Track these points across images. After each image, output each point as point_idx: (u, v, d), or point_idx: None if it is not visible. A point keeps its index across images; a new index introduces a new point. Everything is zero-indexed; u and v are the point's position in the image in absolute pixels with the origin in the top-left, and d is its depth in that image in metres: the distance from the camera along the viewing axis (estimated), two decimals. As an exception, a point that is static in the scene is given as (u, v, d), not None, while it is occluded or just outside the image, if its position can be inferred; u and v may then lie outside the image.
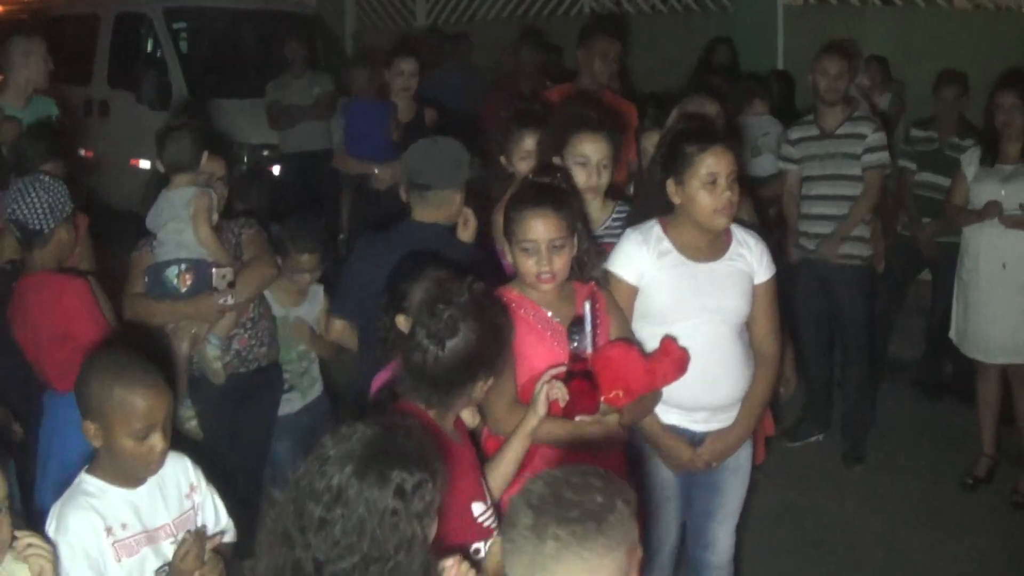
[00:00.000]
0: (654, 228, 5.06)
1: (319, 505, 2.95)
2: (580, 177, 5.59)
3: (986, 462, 7.87)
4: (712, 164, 4.84)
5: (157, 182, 6.56)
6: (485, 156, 6.39)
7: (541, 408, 4.17)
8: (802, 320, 8.16)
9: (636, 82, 11.53)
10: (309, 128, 12.22)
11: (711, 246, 5.03)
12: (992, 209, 7.38)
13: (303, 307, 6.72)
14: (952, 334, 7.91)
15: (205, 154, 6.22)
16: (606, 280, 4.96)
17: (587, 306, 4.32)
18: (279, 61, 12.62)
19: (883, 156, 8.12)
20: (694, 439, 5.11)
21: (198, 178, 6.22)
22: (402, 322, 4.65)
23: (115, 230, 8.28)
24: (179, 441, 4.14)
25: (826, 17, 12.23)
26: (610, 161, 5.68)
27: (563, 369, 4.33)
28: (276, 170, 12.45)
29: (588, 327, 4.29)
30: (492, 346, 3.86)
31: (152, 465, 3.90)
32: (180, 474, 4.11)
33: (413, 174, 5.63)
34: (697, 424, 5.10)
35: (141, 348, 4.12)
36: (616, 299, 4.88)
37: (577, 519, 2.56)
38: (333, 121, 12.03)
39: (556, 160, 5.57)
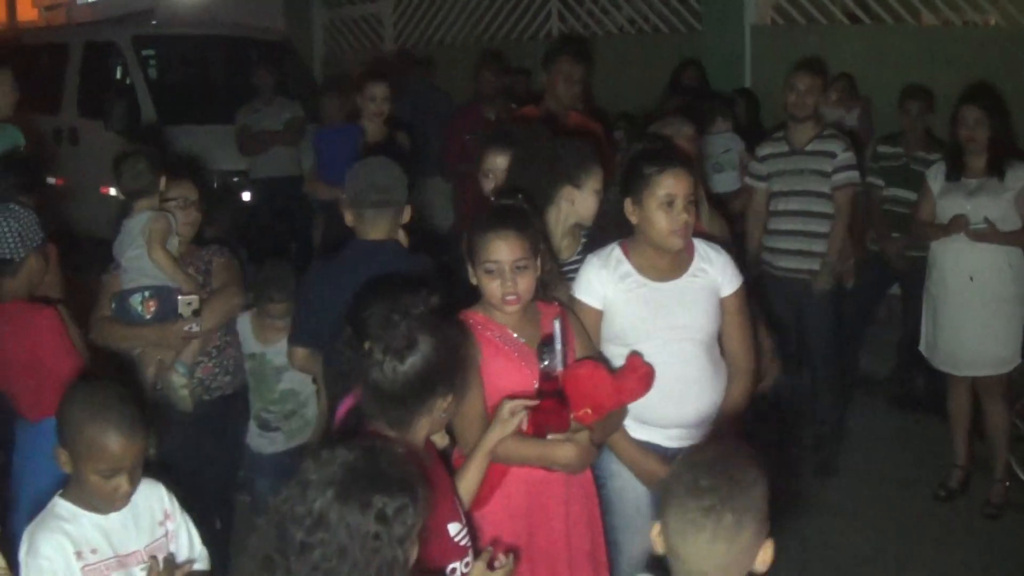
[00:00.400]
0: (614, 251, 5.10)
1: (300, 529, 2.93)
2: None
3: (959, 474, 7.92)
4: (670, 185, 4.87)
5: (126, 210, 6.54)
6: (450, 176, 6.39)
7: (507, 426, 4.21)
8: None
9: (605, 103, 11.59)
10: (279, 154, 12.24)
11: (672, 265, 5.06)
12: (958, 223, 7.43)
13: (279, 344, 6.45)
14: (922, 347, 7.95)
15: (163, 178, 6.17)
16: (571, 303, 5.00)
17: (556, 324, 4.35)
18: (248, 87, 12.63)
19: (853, 175, 8.18)
20: (667, 455, 5.08)
21: (155, 202, 6.17)
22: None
23: (86, 258, 8.25)
24: (153, 469, 4.13)
25: (793, 37, 12.27)
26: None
27: (532, 392, 4.37)
28: (246, 196, 12.44)
29: (558, 345, 4.32)
30: (450, 360, 3.80)
31: (116, 503, 3.91)
32: (154, 501, 4.11)
33: (356, 195, 5.64)
34: (671, 440, 5.09)
35: (123, 382, 4.14)
36: (583, 323, 4.91)
37: (743, 489, 2.91)
38: (303, 147, 12.08)
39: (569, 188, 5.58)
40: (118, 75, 14.13)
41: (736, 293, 5.14)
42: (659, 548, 3.08)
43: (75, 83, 14.64)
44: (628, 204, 4.99)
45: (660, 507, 3.04)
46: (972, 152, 7.55)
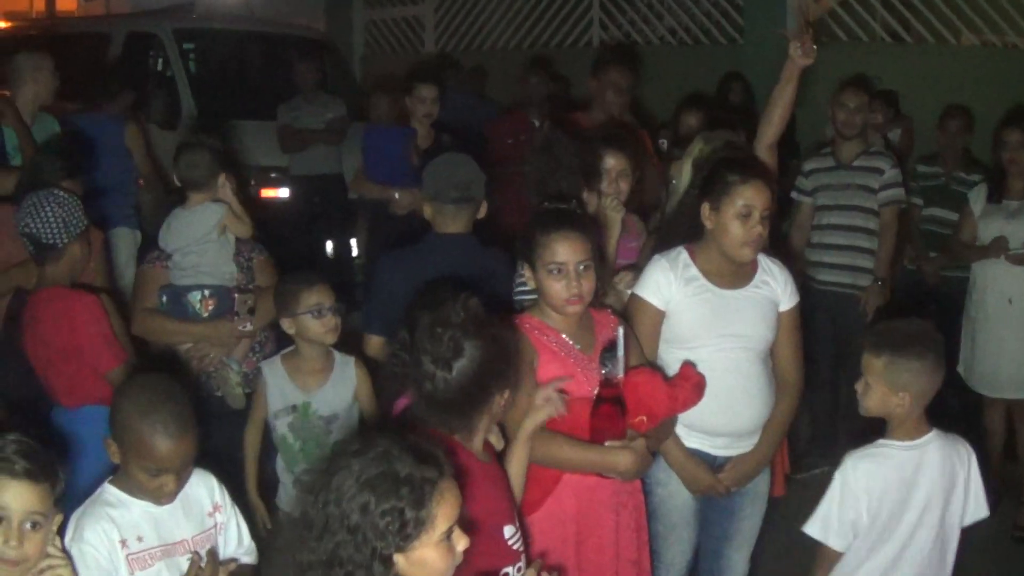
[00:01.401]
0: (681, 254, 5.13)
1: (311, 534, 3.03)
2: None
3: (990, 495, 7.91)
4: (750, 197, 4.90)
5: (169, 202, 6.54)
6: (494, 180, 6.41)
7: (540, 413, 4.27)
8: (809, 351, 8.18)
9: (645, 113, 11.59)
10: (320, 152, 12.22)
11: (737, 274, 5.10)
12: (998, 245, 7.48)
13: (328, 390, 5.72)
14: (960, 368, 7.95)
15: (222, 174, 6.22)
16: (636, 305, 5.05)
17: (620, 331, 4.40)
18: (288, 84, 12.62)
19: (900, 192, 8.24)
20: (714, 464, 5.16)
21: (211, 197, 6.21)
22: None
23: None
24: (206, 460, 4.15)
25: (835, 52, 12.25)
26: (631, 172, 5.85)
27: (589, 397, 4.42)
28: (284, 192, 12.47)
29: (620, 352, 4.35)
30: (500, 358, 3.83)
31: (161, 500, 3.93)
32: (204, 491, 4.15)
33: (438, 190, 5.70)
34: (718, 449, 5.15)
35: (178, 378, 4.13)
36: (642, 324, 4.96)
37: None
38: (344, 146, 12.09)
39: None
40: (159, 67, 14.17)
41: (792, 309, 5.20)
42: None
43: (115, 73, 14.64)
44: (705, 208, 5.03)
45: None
46: (1013, 174, 7.59)
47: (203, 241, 6.08)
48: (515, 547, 3.90)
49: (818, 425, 8.63)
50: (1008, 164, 7.59)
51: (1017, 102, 9.37)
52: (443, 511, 3.06)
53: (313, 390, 5.68)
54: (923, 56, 12.02)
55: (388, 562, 3.01)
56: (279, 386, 5.68)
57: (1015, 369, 7.59)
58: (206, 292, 6.09)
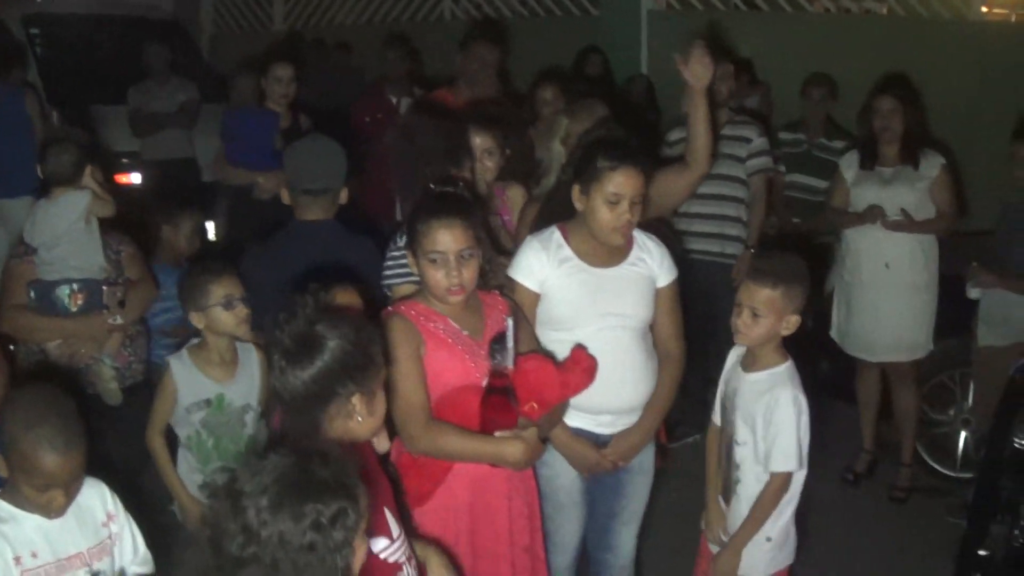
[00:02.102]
0: (554, 234, 5.07)
1: (233, 544, 2.82)
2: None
3: (866, 458, 8.09)
4: (620, 184, 4.84)
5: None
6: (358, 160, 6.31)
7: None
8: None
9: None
10: (172, 136, 11.98)
11: (611, 252, 5.05)
12: (874, 212, 7.51)
13: (240, 380, 5.53)
14: (833, 333, 8.03)
15: (89, 168, 6.08)
16: (510, 288, 4.97)
17: (509, 322, 4.32)
18: (138, 67, 12.39)
19: (768, 160, 8.31)
20: (599, 441, 5.13)
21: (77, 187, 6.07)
22: None
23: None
24: (97, 468, 4.02)
25: (691, 22, 12.33)
26: (495, 150, 5.77)
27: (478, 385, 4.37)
28: (136, 178, 12.20)
29: (510, 343, 4.28)
30: (351, 359, 3.59)
31: (50, 514, 3.82)
32: (97, 501, 4.03)
33: (301, 178, 5.64)
34: (602, 427, 5.12)
35: (66, 388, 3.99)
36: (519, 305, 4.89)
37: None
38: (196, 128, 11.89)
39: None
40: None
41: (671, 284, 5.17)
42: None
43: (-40, 61, 14.30)
44: (575, 190, 4.97)
45: None
46: (886, 141, 7.62)
47: (70, 232, 5.95)
48: (392, 559, 3.72)
49: (689, 394, 8.63)
50: (881, 131, 7.60)
51: (875, 67, 9.49)
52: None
53: (225, 381, 5.48)
54: (779, 23, 12.14)
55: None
56: (190, 380, 5.45)
57: (892, 333, 7.67)
58: (75, 286, 5.96)
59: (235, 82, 9.82)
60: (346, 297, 4.49)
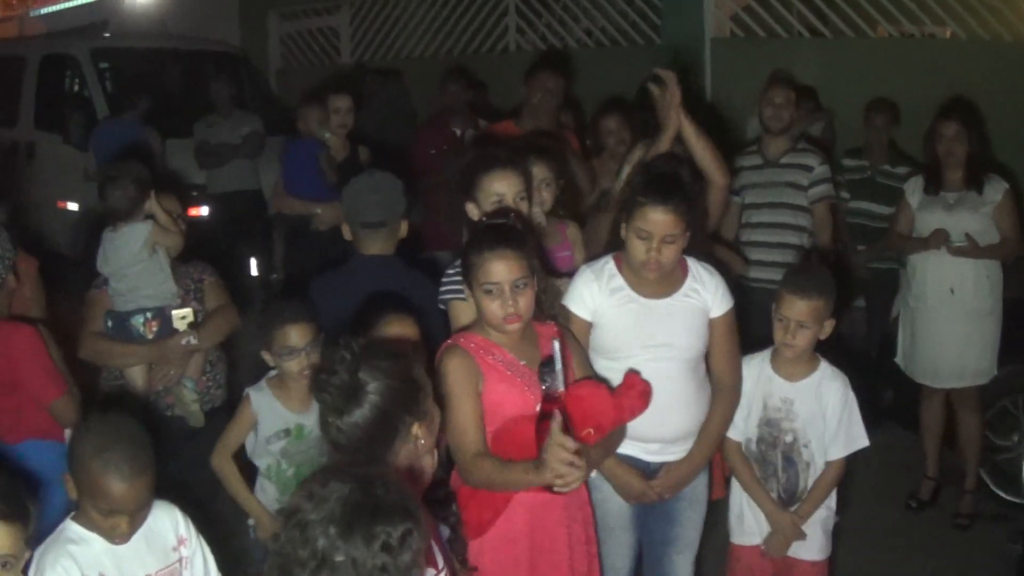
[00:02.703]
0: (607, 264, 5.12)
1: (305, 571, 2.84)
2: None
3: (930, 485, 8.03)
4: (649, 221, 4.87)
5: (87, 224, 6.47)
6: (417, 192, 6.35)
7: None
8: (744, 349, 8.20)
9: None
10: (237, 167, 12.18)
11: (663, 283, 5.07)
12: (939, 237, 7.49)
13: (316, 409, 5.52)
14: (898, 359, 8.00)
15: (150, 200, 6.10)
16: (565, 316, 5.01)
17: (556, 345, 4.32)
18: (205, 100, 12.55)
19: (830, 188, 8.26)
20: (648, 469, 5.15)
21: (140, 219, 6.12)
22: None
23: (42, 273, 8.19)
24: (172, 491, 4.10)
25: (754, 49, 12.34)
26: (526, 193, 5.55)
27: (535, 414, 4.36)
28: (204, 211, 12.32)
29: (558, 366, 4.28)
30: (401, 391, 3.60)
31: (115, 540, 3.88)
32: (169, 524, 4.10)
33: (359, 212, 5.73)
34: (651, 455, 5.14)
35: (137, 415, 4.06)
36: (574, 336, 4.91)
37: None
38: (263, 160, 12.01)
39: (471, 205, 5.47)
40: (75, 88, 14.07)
41: (726, 315, 5.18)
42: None
43: (32, 96, 14.59)
44: (622, 224, 5.02)
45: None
46: (950, 166, 7.60)
47: (134, 262, 6.02)
48: None
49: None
50: (945, 156, 7.59)
51: (938, 91, 9.45)
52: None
53: (304, 411, 5.38)
54: (842, 49, 12.11)
55: None
56: (270, 410, 5.43)
57: (957, 359, 7.63)
58: (148, 314, 6.05)
59: (302, 112, 9.91)
60: (399, 326, 4.55)
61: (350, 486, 2.91)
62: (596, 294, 5.04)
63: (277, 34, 19.01)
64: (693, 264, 5.17)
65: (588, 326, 5.05)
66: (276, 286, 11.04)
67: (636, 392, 4.62)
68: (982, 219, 7.52)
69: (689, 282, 5.12)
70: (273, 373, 5.51)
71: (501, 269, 4.42)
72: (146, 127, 12.12)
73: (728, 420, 5.31)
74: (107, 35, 15.40)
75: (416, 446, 3.67)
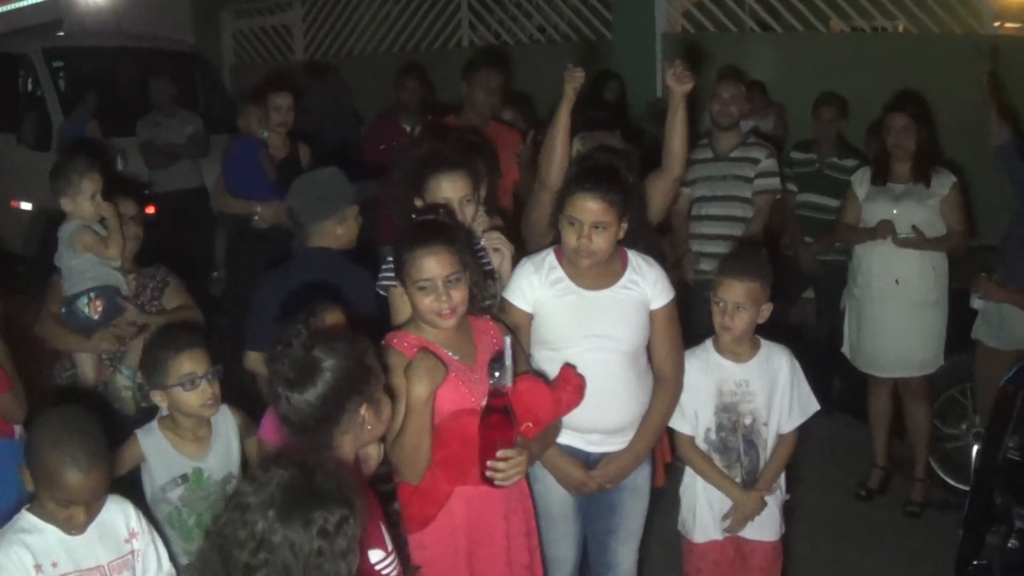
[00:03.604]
0: (548, 257, 5.17)
1: (244, 551, 2.96)
2: None
3: (879, 474, 8.11)
4: (577, 208, 4.94)
5: (41, 223, 6.48)
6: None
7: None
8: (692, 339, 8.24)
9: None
10: (183, 166, 12.19)
11: (602, 274, 5.11)
12: (885, 228, 7.56)
13: (216, 451, 5.08)
14: (845, 349, 8.08)
15: (84, 180, 6.08)
16: (501, 309, 5.07)
17: (508, 340, 4.38)
18: (161, 98, 12.52)
19: (775, 181, 8.33)
20: (588, 460, 5.19)
21: (81, 206, 6.12)
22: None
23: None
24: (121, 486, 4.18)
25: (705, 44, 12.38)
26: (472, 195, 5.55)
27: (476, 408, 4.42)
28: (150, 209, 12.25)
29: (508, 362, 4.31)
30: (352, 374, 3.73)
31: (71, 530, 3.95)
32: (120, 518, 4.16)
33: (299, 214, 5.86)
34: (591, 445, 5.18)
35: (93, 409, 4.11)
36: (512, 327, 4.95)
37: None
38: (206, 159, 12.00)
39: (418, 201, 5.49)
40: (28, 87, 13.99)
41: (666, 306, 5.20)
42: None
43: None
44: (560, 215, 5.07)
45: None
46: (898, 158, 7.67)
47: (70, 257, 6.09)
48: (385, 572, 3.81)
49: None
50: (893, 148, 7.65)
51: (889, 85, 9.52)
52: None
53: (201, 455, 5.04)
54: (793, 44, 12.18)
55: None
56: (162, 455, 5.00)
57: (902, 349, 7.70)
58: (91, 294, 6.07)
59: (242, 111, 9.88)
60: (332, 317, 4.58)
61: (291, 472, 3.05)
62: (536, 286, 5.08)
63: (230, 31, 19.00)
64: (633, 256, 5.20)
65: (529, 317, 5.09)
66: (217, 283, 11.06)
67: (572, 387, 4.69)
68: (929, 211, 7.59)
69: (629, 274, 5.15)
70: (164, 414, 5.10)
71: (433, 265, 4.43)
72: (89, 124, 12.11)
73: (669, 411, 5.33)
74: (61, 34, 15.31)
75: (363, 430, 3.78)
